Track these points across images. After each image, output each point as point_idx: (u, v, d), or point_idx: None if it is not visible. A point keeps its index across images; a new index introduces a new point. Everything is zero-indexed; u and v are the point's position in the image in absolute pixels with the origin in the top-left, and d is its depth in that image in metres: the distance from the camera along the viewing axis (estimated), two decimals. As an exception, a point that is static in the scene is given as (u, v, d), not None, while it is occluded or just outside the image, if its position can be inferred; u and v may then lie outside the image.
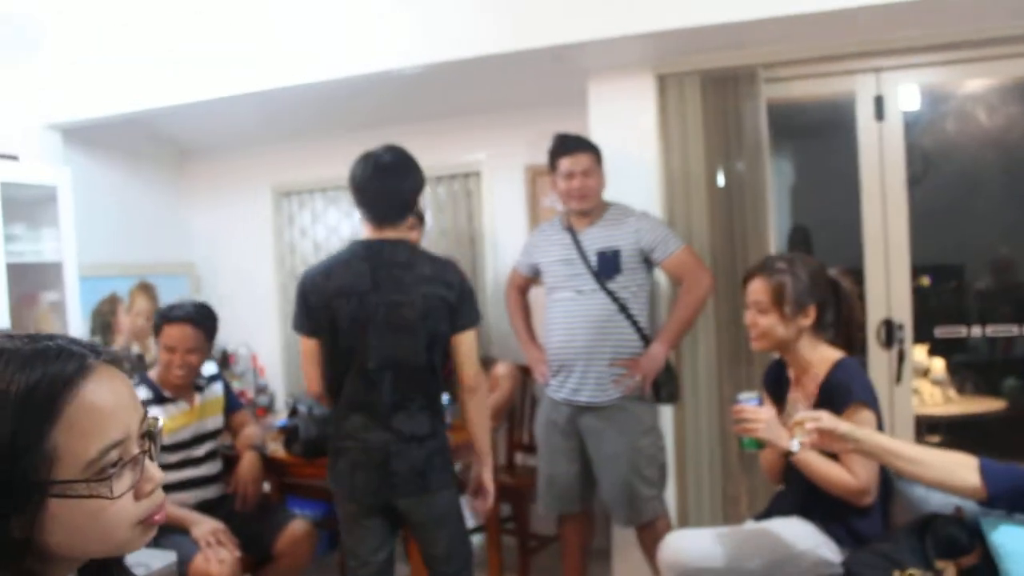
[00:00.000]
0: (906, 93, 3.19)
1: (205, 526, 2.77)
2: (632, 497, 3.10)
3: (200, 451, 3.06)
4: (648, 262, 3.16)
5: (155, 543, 2.45)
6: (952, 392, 4.18)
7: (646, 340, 3.14)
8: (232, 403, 3.25)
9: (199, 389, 3.10)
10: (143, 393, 2.93)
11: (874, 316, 3.20)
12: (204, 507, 2.95)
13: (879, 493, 2.21)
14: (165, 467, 2.86)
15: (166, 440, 2.90)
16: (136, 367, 3.86)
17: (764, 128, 3.23)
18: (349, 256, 2.54)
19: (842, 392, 2.21)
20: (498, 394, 3.66)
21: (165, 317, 2.97)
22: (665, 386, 3.15)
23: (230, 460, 3.16)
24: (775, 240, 3.34)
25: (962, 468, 1.87)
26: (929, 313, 4.05)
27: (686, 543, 2.40)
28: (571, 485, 3.23)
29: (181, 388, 3.01)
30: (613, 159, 3.26)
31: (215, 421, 3.14)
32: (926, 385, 4.09)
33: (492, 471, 2.70)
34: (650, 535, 3.07)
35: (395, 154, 2.57)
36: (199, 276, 4.93)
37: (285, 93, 3.69)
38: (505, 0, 3.20)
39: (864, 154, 3.22)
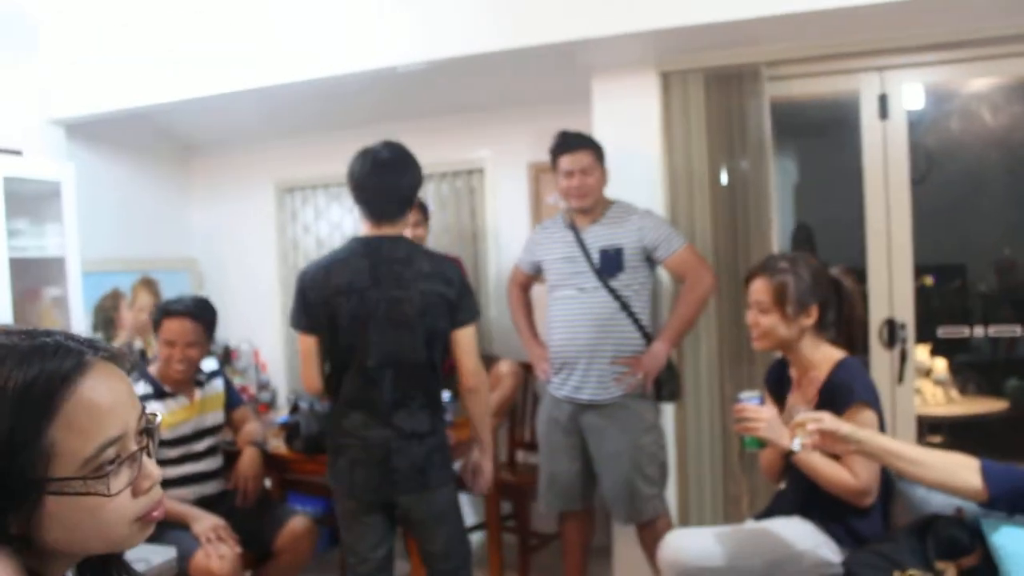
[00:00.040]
0: (910, 92, 3.18)
1: (206, 522, 2.77)
2: (633, 495, 3.10)
3: (200, 446, 3.06)
4: (650, 260, 3.15)
5: (155, 539, 2.45)
6: (954, 392, 4.18)
7: (648, 338, 3.13)
8: (233, 399, 3.25)
9: (199, 384, 3.10)
10: (143, 388, 2.93)
11: (876, 316, 3.20)
12: (204, 502, 2.96)
13: (880, 493, 2.21)
14: (165, 462, 2.89)
15: (166, 435, 2.91)
16: (138, 362, 3.86)
17: (767, 126, 3.22)
18: (348, 253, 2.54)
19: (844, 392, 2.20)
20: (500, 392, 3.66)
21: (164, 311, 2.98)
22: (667, 384, 3.15)
23: (231, 456, 3.17)
24: (778, 239, 3.33)
25: (963, 469, 1.87)
26: (932, 313, 4.04)
27: (686, 542, 2.40)
28: (572, 483, 3.23)
29: (181, 383, 3.01)
30: (616, 157, 3.26)
31: (215, 417, 3.14)
32: (928, 385, 4.08)
33: (492, 460, 2.74)
34: (651, 534, 3.06)
35: (393, 150, 2.56)
36: (202, 272, 4.94)
37: (288, 89, 3.69)
38: (508, -3, 3.20)
39: (868, 153, 3.21)
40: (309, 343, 2.56)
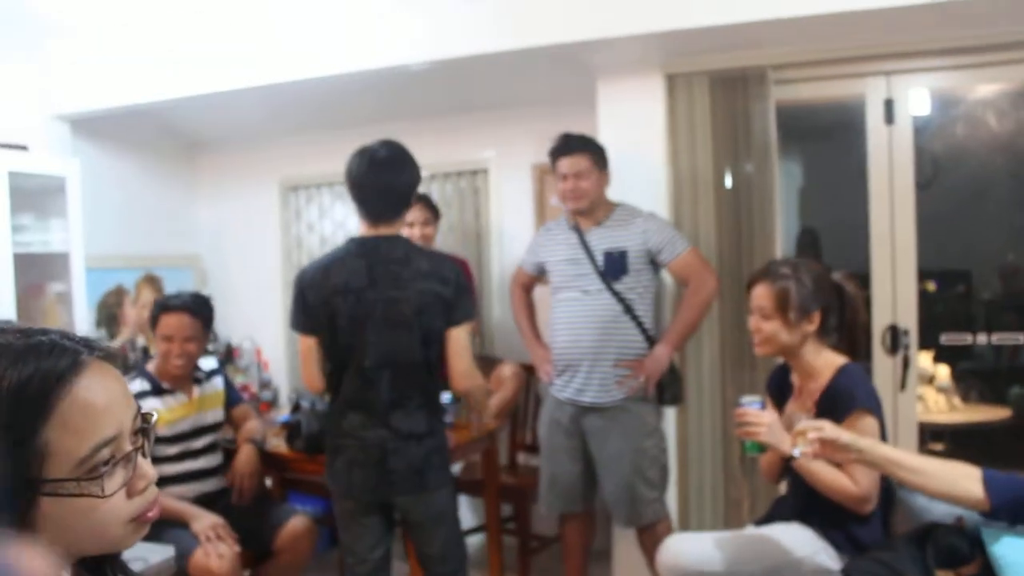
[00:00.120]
0: (916, 97, 3.17)
1: (205, 520, 2.77)
2: (634, 498, 3.09)
3: (199, 443, 3.06)
4: (654, 263, 3.15)
5: (154, 537, 2.45)
6: (957, 400, 4.17)
7: (651, 341, 3.13)
8: (233, 397, 3.25)
9: (198, 382, 3.10)
10: (141, 385, 2.93)
11: (880, 321, 3.19)
12: (203, 500, 2.96)
13: (880, 501, 2.20)
14: (164, 459, 2.89)
15: (165, 432, 2.91)
16: (135, 361, 3.87)
17: (773, 130, 3.21)
18: (345, 253, 2.53)
19: (845, 398, 2.20)
20: (502, 394, 3.66)
21: (162, 307, 2.98)
22: (669, 388, 3.15)
23: (231, 454, 3.16)
24: (782, 242, 3.32)
25: (965, 479, 1.86)
26: (935, 319, 4.03)
27: (685, 546, 2.40)
28: (573, 485, 3.23)
29: (179, 379, 3.01)
30: (621, 159, 3.25)
31: (215, 415, 3.14)
32: (931, 392, 4.07)
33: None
34: (651, 537, 3.06)
35: (391, 149, 2.55)
36: (205, 269, 4.94)
37: (293, 88, 3.69)
38: (515, -2, 3.20)
39: (873, 158, 3.19)
40: (309, 344, 2.56)
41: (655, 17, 2.97)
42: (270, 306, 4.78)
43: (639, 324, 3.11)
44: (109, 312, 4.32)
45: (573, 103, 3.66)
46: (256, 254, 4.83)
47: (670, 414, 3.34)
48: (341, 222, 4.65)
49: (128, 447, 0.89)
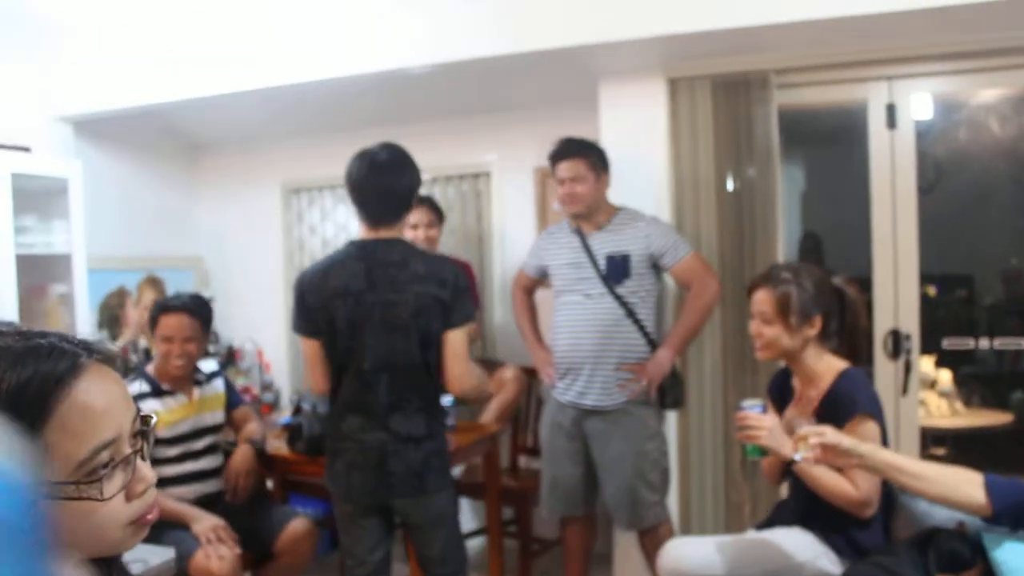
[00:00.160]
0: (918, 102, 3.17)
1: (206, 522, 2.77)
2: (635, 502, 3.09)
3: (200, 444, 3.05)
4: (657, 267, 3.15)
5: (154, 539, 2.46)
6: (959, 404, 4.16)
7: (653, 345, 3.13)
8: (234, 399, 3.25)
9: (198, 384, 3.10)
10: (141, 386, 2.93)
11: (881, 326, 3.18)
12: (203, 501, 2.95)
13: (881, 506, 2.20)
14: (165, 461, 2.88)
15: (166, 433, 2.91)
16: (134, 364, 3.86)
17: (775, 134, 3.21)
18: (344, 256, 2.53)
19: (847, 402, 2.19)
20: (503, 396, 3.66)
21: (161, 308, 2.98)
22: (670, 392, 3.15)
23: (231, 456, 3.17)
24: (784, 246, 3.32)
25: (967, 484, 1.85)
26: (937, 324, 4.02)
27: (686, 550, 2.40)
28: (575, 487, 3.23)
29: (179, 380, 3.01)
30: (623, 163, 3.25)
31: (215, 416, 3.13)
32: (933, 397, 4.06)
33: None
34: (652, 540, 3.06)
35: (391, 152, 2.55)
36: (207, 271, 4.95)
37: (296, 90, 3.70)
38: (517, 2, 3.19)
39: (875, 162, 3.19)
40: (311, 347, 2.56)
41: (657, 21, 2.97)
42: (272, 308, 4.78)
43: (641, 328, 3.11)
44: (111, 314, 4.33)
45: (575, 106, 3.66)
46: (258, 256, 4.83)
47: (671, 418, 3.34)
48: (343, 225, 4.65)
49: (127, 450, 0.89)
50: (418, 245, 3.62)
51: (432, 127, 4.17)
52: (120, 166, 4.47)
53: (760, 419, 2.17)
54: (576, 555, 3.35)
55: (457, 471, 3.63)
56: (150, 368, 3.01)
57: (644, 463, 3.10)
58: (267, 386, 4.54)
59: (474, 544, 3.92)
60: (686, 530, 3.31)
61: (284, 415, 3.88)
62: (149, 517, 0.92)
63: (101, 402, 0.87)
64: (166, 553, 2.54)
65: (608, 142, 3.26)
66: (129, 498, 0.89)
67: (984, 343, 3.63)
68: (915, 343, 3.17)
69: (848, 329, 2.37)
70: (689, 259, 3.10)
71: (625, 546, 3.41)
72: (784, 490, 2.62)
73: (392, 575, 2.68)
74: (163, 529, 2.66)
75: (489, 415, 3.63)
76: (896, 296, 3.17)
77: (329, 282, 2.49)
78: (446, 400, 2.81)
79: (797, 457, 2.04)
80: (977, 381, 4.43)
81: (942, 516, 2.06)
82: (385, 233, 2.53)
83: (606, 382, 3.11)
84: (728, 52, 3.18)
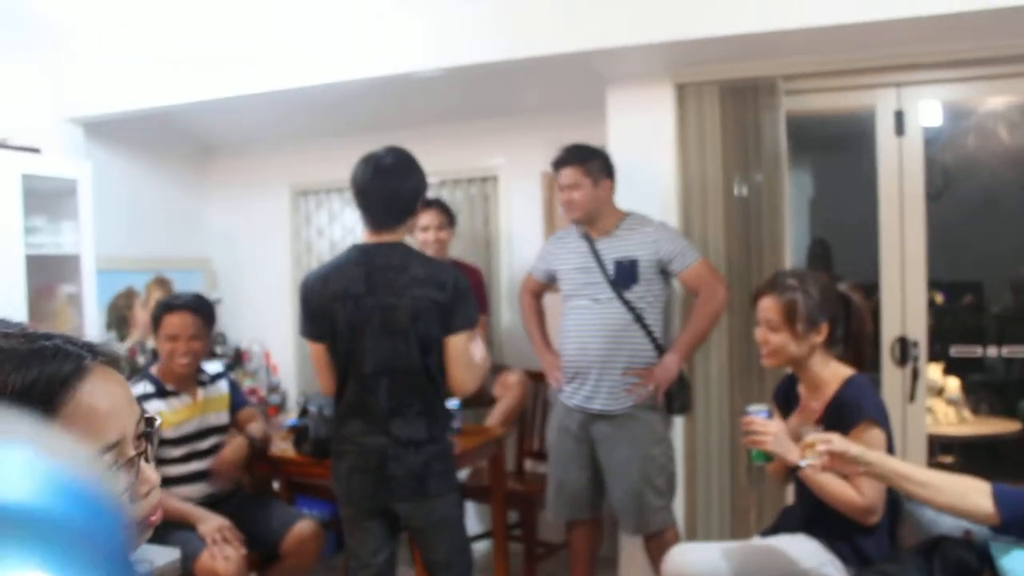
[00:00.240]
0: (927, 108, 3.17)
1: (212, 523, 2.78)
2: (641, 506, 3.09)
3: (205, 444, 3.06)
4: (665, 273, 3.15)
5: (160, 539, 2.47)
6: (966, 412, 4.14)
7: (660, 350, 3.13)
8: (238, 400, 3.26)
9: (202, 384, 3.11)
10: (145, 387, 2.94)
11: (889, 333, 3.17)
12: (209, 501, 2.96)
13: (887, 513, 2.19)
14: (170, 461, 2.89)
15: (171, 433, 2.92)
16: (139, 367, 3.87)
17: (783, 140, 3.21)
18: (345, 260, 2.53)
19: (852, 409, 2.19)
20: (507, 400, 3.66)
21: (165, 307, 3.00)
22: (677, 397, 3.15)
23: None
24: (792, 253, 3.31)
25: (974, 493, 1.84)
26: (945, 331, 4.01)
27: (691, 556, 2.39)
28: (581, 491, 3.23)
29: (184, 381, 3.02)
30: (630, 168, 3.25)
31: (219, 417, 3.14)
32: (940, 404, 4.05)
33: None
34: (657, 545, 3.06)
35: (396, 155, 2.54)
36: (215, 272, 4.96)
37: (305, 93, 3.71)
38: (524, 6, 3.20)
39: (883, 169, 3.19)
40: (318, 350, 2.57)
41: (665, 27, 2.97)
42: (279, 310, 4.79)
43: (649, 333, 3.11)
44: (119, 314, 4.34)
45: (583, 111, 3.66)
46: (266, 258, 4.85)
47: (678, 423, 3.33)
48: (351, 227, 4.66)
49: (131, 452, 0.89)
50: (429, 248, 3.65)
51: (440, 131, 4.18)
52: (129, 167, 4.49)
53: (766, 424, 2.16)
54: (582, 559, 3.35)
55: (463, 475, 3.64)
56: (154, 369, 3.03)
57: (651, 468, 3.10)
58: (274, 388, 4.55)
59: (480, 548, 3.92)
60: (692, 535, 3.31)
61: (291, 417, 3.89)
62: (153, 519, 0.92)
63: (105, 404, 0.87)
64: (172, 553, 2.54)
65: (616, 147, 3.26)
66: (133, 500, 0.89)
67: (992, 351, 3.62)
68: (923, 350, 3.16)
69: (854, 336, 2.36)
70: (697, 265, 3.11)
71: (631, 550, 3.41)
72: (790, 496, 2.62)
73: (396, 577, 2.69)
74: (169, 529, 2.67)
75: (494, 419, 3.64)
76: (904, 303, 3.17)
77: (329, 286, 2.49)
78: (452, 404, 2.81)
79: (803, 463, 2.04)
80: (985, 389, 4.41)
81: (948, 524, 2.06)
82: (387, 237, 2.53)
83: (613, 386, 3.11)
84: (736, 58, 3.18)
